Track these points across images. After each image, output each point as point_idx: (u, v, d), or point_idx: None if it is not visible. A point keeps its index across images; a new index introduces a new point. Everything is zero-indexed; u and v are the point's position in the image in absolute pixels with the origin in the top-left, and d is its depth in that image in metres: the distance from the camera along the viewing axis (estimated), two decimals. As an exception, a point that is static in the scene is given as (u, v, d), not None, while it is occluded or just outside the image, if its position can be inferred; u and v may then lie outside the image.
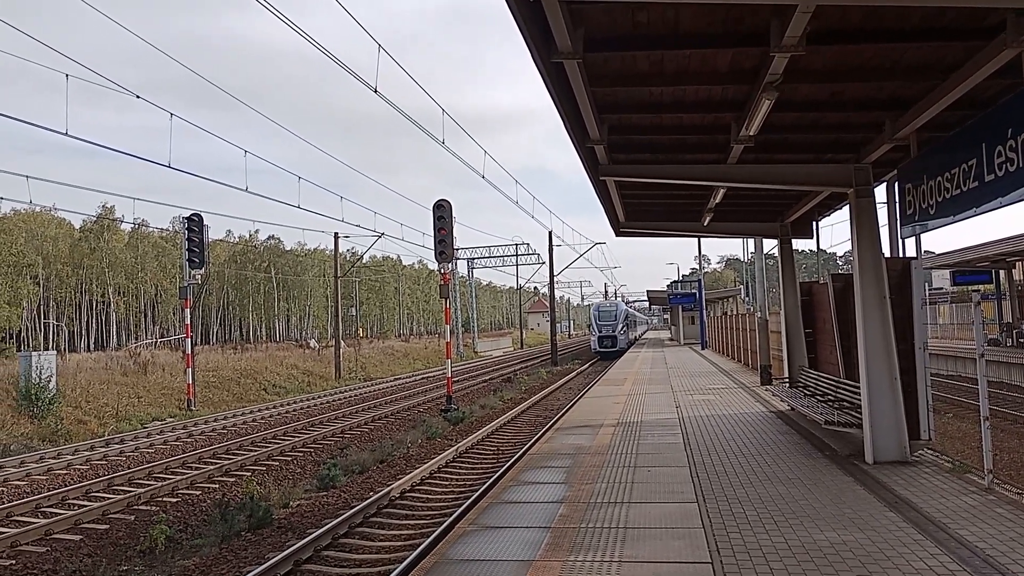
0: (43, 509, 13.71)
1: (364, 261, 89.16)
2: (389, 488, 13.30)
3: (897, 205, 10.53)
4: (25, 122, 39.81)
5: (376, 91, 13.16)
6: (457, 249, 67.54)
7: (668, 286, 67.96)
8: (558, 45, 6.23)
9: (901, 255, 11.36)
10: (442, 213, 25.38)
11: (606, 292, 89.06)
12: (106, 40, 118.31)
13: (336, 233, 45.84)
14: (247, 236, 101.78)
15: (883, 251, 10.43)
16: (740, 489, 8.80)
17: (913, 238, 10.93)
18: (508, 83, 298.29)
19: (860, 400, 10.25)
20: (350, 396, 34.37)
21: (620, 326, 59.17)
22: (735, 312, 45.07)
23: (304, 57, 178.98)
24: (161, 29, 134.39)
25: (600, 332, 59.72)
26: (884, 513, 7.49)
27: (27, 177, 23.77)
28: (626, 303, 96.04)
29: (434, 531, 10.45)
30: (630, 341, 66.92)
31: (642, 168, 11.51)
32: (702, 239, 49.58)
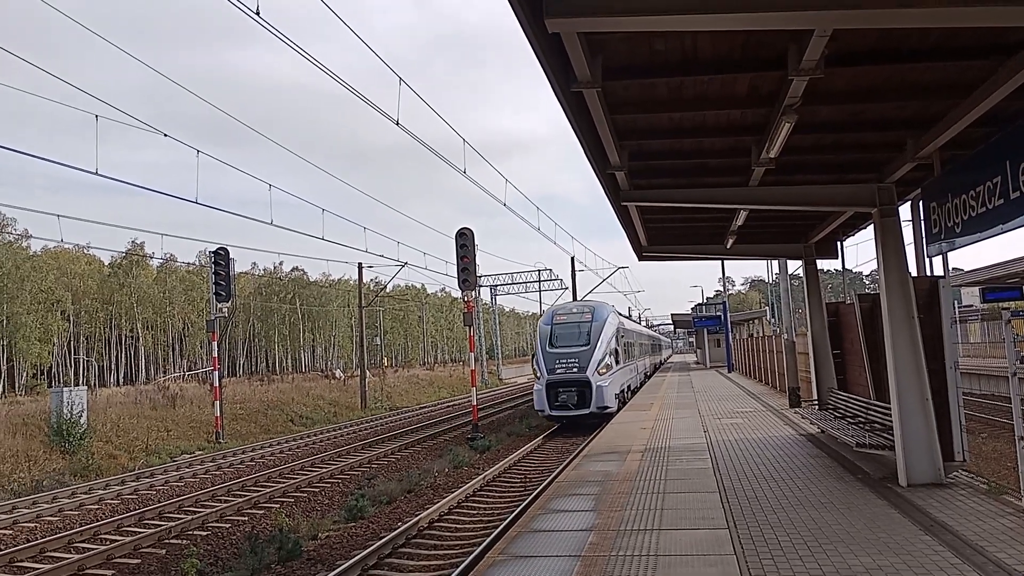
0: (75, 544, 13.81)
1: (388, 290, 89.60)
2: (417, 518, 13.27)
3: (922, 223, 10.45)
4: (58, 163, 40.80)
5: (398, 123, 13.34)
6: (480, 276, 67.63)
7: (693, 309, 67.62)
8: (577, 75, 6.30)
9: (928, 273, 11.26)
10: (464, 241, 25.52)
11: (629, 315, 65.39)
12: (110, 76, 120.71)
13: (360, 263, 46.19)
14: (272, 268, 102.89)
15: (910, 270, 10.36)
16: (772, 514, 8.70)
17: (940, 256, 10.83)
18: (514, 111, 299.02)
19: (892, 422, 10.13)
20: (376, 426, 34.40)
21: (602, 356, 26.13)
22: (761, 334, 44.73)
23: (304, 89, 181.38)
24: (163, 65, 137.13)
25: (553, 370, 26.06)
26: (919, 537, 7.37)
27: (58, 216, 24.36)
28: (647, 324, 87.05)
29: (463, 561, 10.40)
30: (631, 384, 33.18)
31: (663, 193, 11.54)
32: (726, 261, 49.40)
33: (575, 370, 25.37)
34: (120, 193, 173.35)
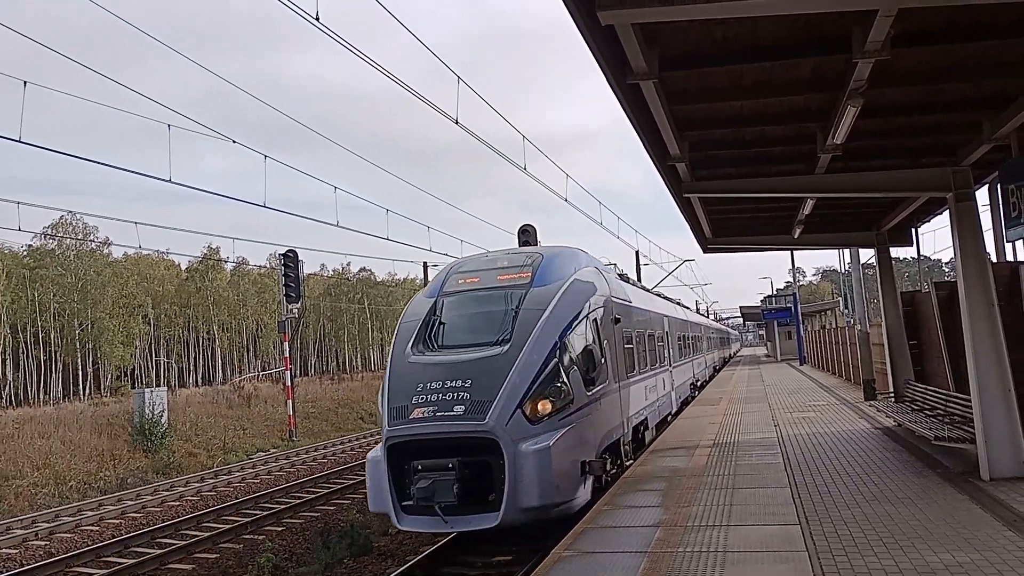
0: (158, 540, 14.34)
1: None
2: (485, 514, 13.31)
3: (1001, 207, 10.02)
4: (135, 172, 42.33)
5: (457, 122, 13.46)
6: (544, 273, 66.75)
7: (762, 301, 66.28)
8: (633, 67, 6.24)
9: (1009, 259, 10.81)
10: (527, 238, 25.42)
11: (697, 308, 57.12)
12: (173, 86, 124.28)
13: (424, 262, 46.61)
14: (340, 269, 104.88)
15: (989, 256, 9.95)
16: (846, 510, 8.47)
17: (1021, 241, 10.38)
18: (564, 106, 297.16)
19: (972, 414, 9.76)
20: (444, 423, 34.70)
21: (539, 373, 9.86)
22: (834, 325, 43.56)
23: (360, 92, 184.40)
24: (223, 74, 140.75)
25: (405, 411, 9.80)
26: (1003, 532, 7.08)
27: (136, 223, 25.40)
28: (714, 317, 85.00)
29: (531, 557, 10.41)
30: (648, 418, 15.65)
31: (726, 183, 11.33)
32: (796, 251, 48.24)
33: (459, 410, 9.66)
34: (192, 200, 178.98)
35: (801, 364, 46.50)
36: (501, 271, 11.66)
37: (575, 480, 10.03)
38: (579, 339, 10.93)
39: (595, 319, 11.69)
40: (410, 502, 9.38)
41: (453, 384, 9.65)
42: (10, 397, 62.72)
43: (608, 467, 11.28)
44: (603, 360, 11.56)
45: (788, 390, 26.72)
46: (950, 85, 7.84)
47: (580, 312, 11.12)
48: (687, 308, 34.79)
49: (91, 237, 69.82)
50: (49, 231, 68.11)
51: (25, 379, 67.39)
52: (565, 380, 10.17)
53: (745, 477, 10.79)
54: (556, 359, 10.09)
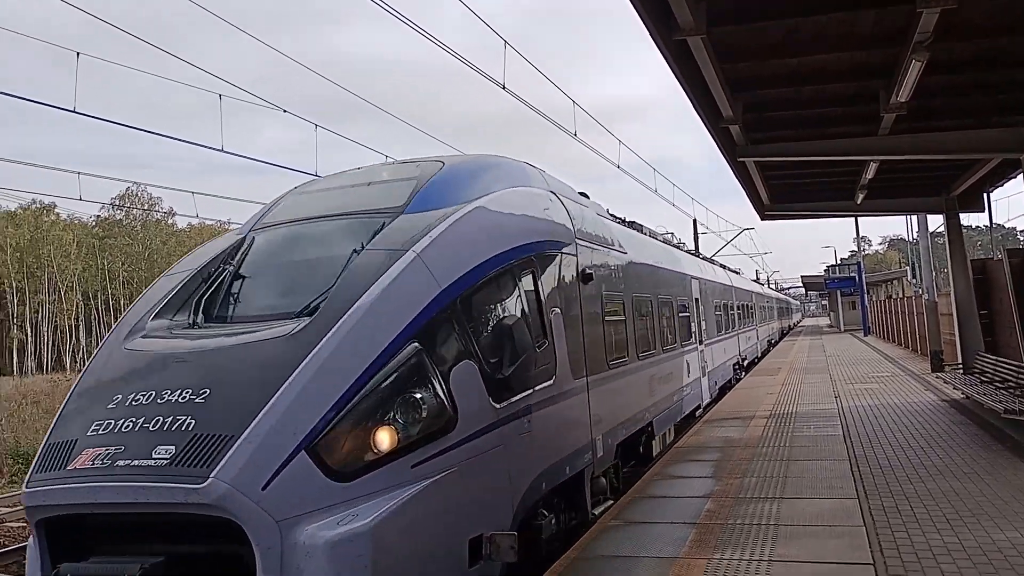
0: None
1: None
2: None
3: (1081, 167, 9.47)
4: (189, 142, 43.17)
5: (504, 87, 13.32)
6: (600, 243, 65.77)
7: (825, 270, 64.76)
8: (679, 21, 5.98)
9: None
10: (581, 207, 25.13)
11: (757, 278, 56.06)
12: (225, 61, 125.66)
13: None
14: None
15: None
16: (907, 484, 8.17)
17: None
18: (617, 75, 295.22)
19: (1045, 386, 9.32)
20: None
21: (361, 384, 4.82)
22: (900, 295, 42.31)
23: (406, 63, 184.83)
24: (272, 49, 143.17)
25: (69, 451, 4.69)
26: (1076, 510, 6.73)
27: (193, 193, 25.89)
28: (777, 287, 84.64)
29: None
30: (658, 419, 11.39)
31: (783, 146, 10.94)
32: (861, 219, 46.74)
33: (161, 455, 4.46)
34: (247, 172, 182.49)
35: (865, 335, 45.43)
36: (366, 190, 7.05)
37: None
38: (487, 306, 6.24)
39: (532, 272, 6.94)
40: None
41: (169, 398, 4.83)
42: (84, 361, 65.40)
43: (549, 528, 6.82)
44: (548, 342, 6.98)
45: (850, 361, 26.09)
46: (1021, 37, 7.34)
47: (494, 257, 6.30)
48: (733, 272, 29.32)
49: (156, 208, 71.81)
50: (117, 202, 70.28)
51: (98, 343, 70.00)
52: (436, 383, 5.30)
53: (802, 449, 10.54)
54: (418, 344, 5.26)
